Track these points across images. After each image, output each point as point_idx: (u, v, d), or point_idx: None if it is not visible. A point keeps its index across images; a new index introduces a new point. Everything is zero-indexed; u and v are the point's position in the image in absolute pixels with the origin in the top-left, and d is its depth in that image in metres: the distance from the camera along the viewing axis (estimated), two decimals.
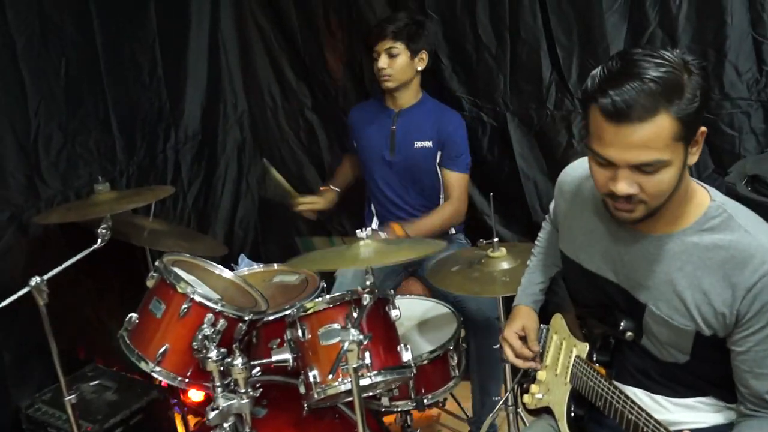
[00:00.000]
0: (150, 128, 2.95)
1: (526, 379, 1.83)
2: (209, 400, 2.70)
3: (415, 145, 2.70)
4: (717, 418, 1.50)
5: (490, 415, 2.42)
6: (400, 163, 2.74)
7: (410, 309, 2.46)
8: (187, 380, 2.06)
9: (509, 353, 1.74)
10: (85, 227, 2.31)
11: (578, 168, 1.67)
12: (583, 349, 1.60)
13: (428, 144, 2.70)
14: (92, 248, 2.14)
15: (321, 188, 3.09)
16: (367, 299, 1.82)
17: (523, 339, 1.75)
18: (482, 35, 2.80)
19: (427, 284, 2.69)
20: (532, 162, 2.87)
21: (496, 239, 2.18)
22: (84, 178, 2.66)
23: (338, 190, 3.03)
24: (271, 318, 2.28)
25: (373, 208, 2.92)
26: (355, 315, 1.91)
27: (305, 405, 2.06)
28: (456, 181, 2.73)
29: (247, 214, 3.45)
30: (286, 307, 2.42)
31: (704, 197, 1.43)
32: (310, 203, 2.95)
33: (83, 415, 2.31)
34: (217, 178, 3.29)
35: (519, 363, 1.74)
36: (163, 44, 2.95)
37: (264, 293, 2.32)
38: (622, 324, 1.49)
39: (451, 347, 2.22)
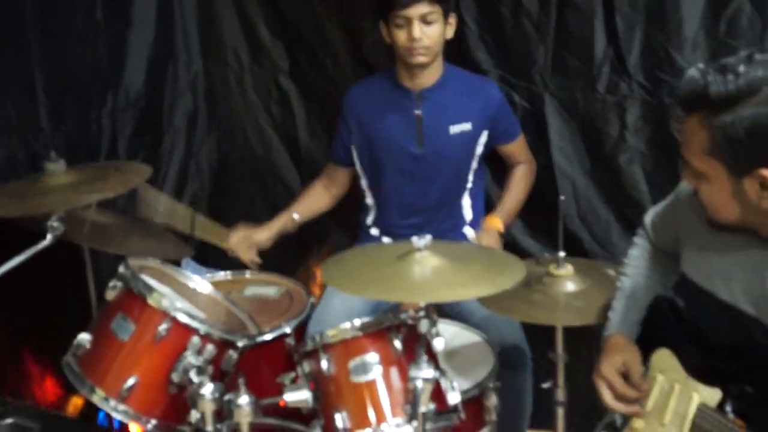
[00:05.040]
0: (82, 89, 2.86)
1: (609, 429, 1.88)
2: None
3: (451, 131, 2.71)
4: None
5: None
6: (430, 157, 2.73)
7: None
8: (154, 422, 2.03)
9: (607, 395, 1.80)
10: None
11: None
12: (712, 396, 1.66)
13: (467, 127, 2.72)
14: (40, 246, 2.07)
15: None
16: (425, 326, 1.81)
17: (624, 377, 1.80)
18: None
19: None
20: (573, 157, 2.92)
21: (562, 253, 2.22)
22: None
23: (298, 217, 2.92)
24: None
25: (369, 219, 2.92)
26: (396, 344, 1.91)
27: None
28: (520, 146, 2.89)
29: (193, 206, 3.36)
30: (267, 330, 2.41)
31: None
32: (246, 242, 2.82)
33: None
34: (160, 157, 3.22)
35: (620, 407, 1.79)
36: None
37: None
38: None
39: (491, 385, 2.25)
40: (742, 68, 1.42)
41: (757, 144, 1.43)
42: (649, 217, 2.04)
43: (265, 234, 2.85)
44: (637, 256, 2.02)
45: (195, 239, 2.87)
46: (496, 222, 2.78)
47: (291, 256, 3.15)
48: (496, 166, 2.98)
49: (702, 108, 1.47)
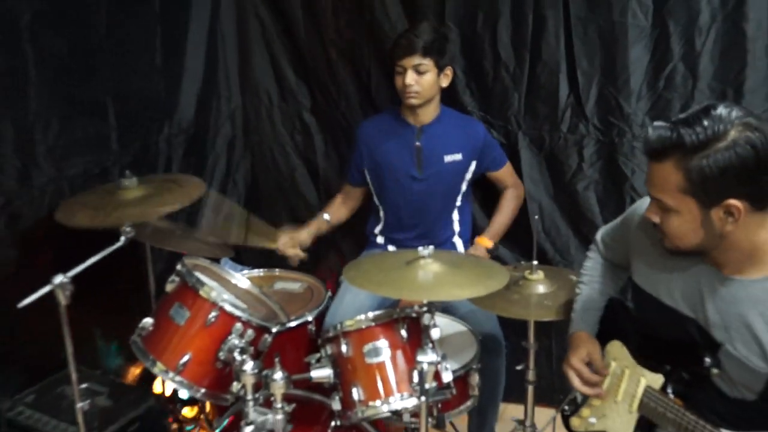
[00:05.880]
0: (145, 118, 2.87)
1: (571, 404, 1.92)
2: (201, 410, 2.70)
3: (445, 160, 2.73)
4: None
5: None
6: (428, 180, 2.75)
7: None
8: (204, 391, 2.04)
9: (576, 381, 1.81)
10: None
11: None
12: (655, 380, 1.69)
13: (458, 157, 2.74)
14: (115, 247, 2.07)
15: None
16: (427, 319, 1.84)
17: (588, 366, 1.82)
18: (501, 52, 2.86)
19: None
20: (539, 183, 2.96)
21: (535, 262, 2.25)
22: (78, 167, 2.58)
23: (328, 217, 2.91)
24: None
25: (377, 228, 2.92)
26: (402, 333, 1.94)
27: (334, 422, 2.07)
28: (506, 173, 2.88)
29: (231, 217, 3.39)
30: (293, 318, 2.44)
31: None
32: (292, 241, 2.75)
33: (75, 420, 2.22)
34: (204, 175, 3.22)
35: (587, 390, 1.80)
36: (164, 32, 2.89)
37: None
38: (707, 360, 1.58)
39: (474, 367, 2.27)
40: (706, 121, 1.44)
41: (727, 180, 1.44)
42: (599, 236, 2.06)
43: (305, 234, 2.81)
44: (590, 267, 2.03)
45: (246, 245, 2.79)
46: (484, 241, 2.81)
47: (310, 259, 3.18)
48: (484, 192, 3.02)
49: (677, 154, 1.47)
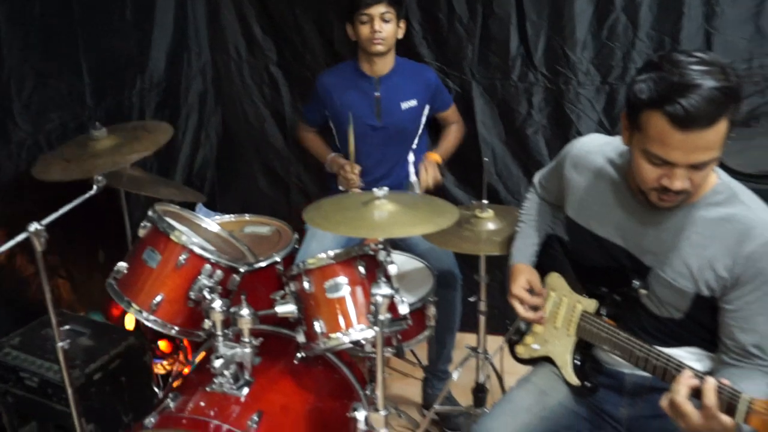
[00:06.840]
0: (117, 73, 2.79)
1: (516, 333, 1.94)
2: (175, 347, 2.69)
3: (402, 107, 2.69)
4: (698, 366, 1.61)
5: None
6: (387, 127, 2.70)
7: None
8: (177, 329, 2.03)
9: (520, 308, 1.80)
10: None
11: (595, 150, 1.74)
12: (590, 304, 1.70)
13: (414, 103, 2.70)
14: (87, 195, 2.03)
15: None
16: (383, 255, 1.83)
17: (530, 292, 1.82)
18: (455, 6, 2.82)
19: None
20: (492, 129, 2.95)
21: (485, 201, 2.24)
22: (54, 122, 2.51)
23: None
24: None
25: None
26: (361, 269, 1.93)
27: (300, 354, 2.08)
28: (451, 113, 2.87)
29: (204, 165, 3.35)
30: (262, 259, 2.42)
31: (712, 176, 1.54)
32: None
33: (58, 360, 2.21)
34: (177, 127, 3.15)
35: (531, 316, 1.79)
36: None
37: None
38: (634, 282, 1.60)
39: (430, 299, 2.28)
40: (705, 66, 1.36)
41: None
42: (536, 178, 2.02)
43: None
44: (528, 207, 2.00)
45: None
46: (435, 156, 2.76)
47: (280, 203, 3.17)
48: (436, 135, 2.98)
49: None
